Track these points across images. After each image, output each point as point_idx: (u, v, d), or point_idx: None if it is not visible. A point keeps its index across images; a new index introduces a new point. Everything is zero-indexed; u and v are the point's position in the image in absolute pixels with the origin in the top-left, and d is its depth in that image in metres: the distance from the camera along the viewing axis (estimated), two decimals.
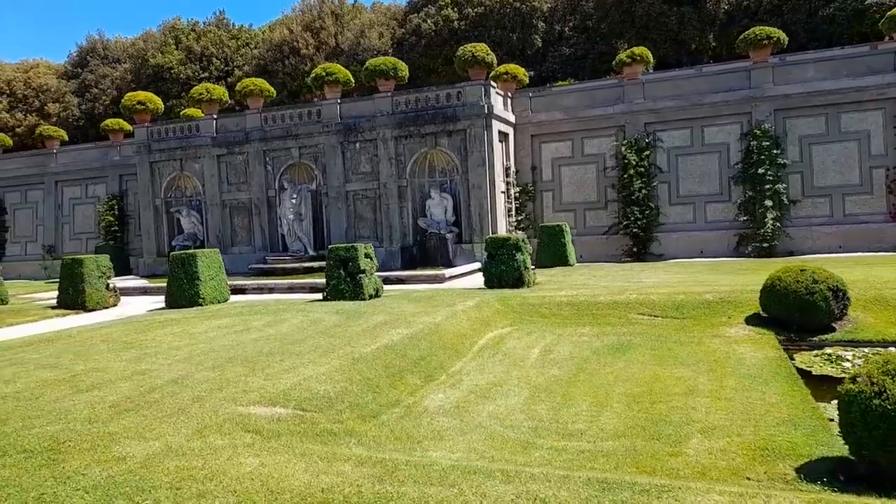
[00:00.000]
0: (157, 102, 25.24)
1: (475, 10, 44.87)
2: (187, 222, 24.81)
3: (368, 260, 14.11)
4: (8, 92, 54.13)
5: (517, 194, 22.44)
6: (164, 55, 51.27)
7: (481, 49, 20.26)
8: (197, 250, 15.46)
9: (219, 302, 15.30)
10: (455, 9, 44.74)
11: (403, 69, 21.77)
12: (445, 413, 6.75)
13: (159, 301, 17.28)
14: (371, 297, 13.86)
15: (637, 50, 21.63)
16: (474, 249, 20.57)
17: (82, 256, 16.34)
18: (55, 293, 21.45)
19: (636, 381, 7.59)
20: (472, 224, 20.76)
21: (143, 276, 24.28)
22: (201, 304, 14.84)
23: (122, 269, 25.87)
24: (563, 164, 22.54)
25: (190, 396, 6.36)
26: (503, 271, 14.40)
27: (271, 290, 17.71)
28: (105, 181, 29.31)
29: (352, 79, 22.66)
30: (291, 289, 17.49)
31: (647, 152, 21.06)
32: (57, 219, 30.47)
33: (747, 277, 13.54)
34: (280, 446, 5.14)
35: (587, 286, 13.85)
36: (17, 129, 50.17)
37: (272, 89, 24.13)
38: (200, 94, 23.71)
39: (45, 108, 52.56)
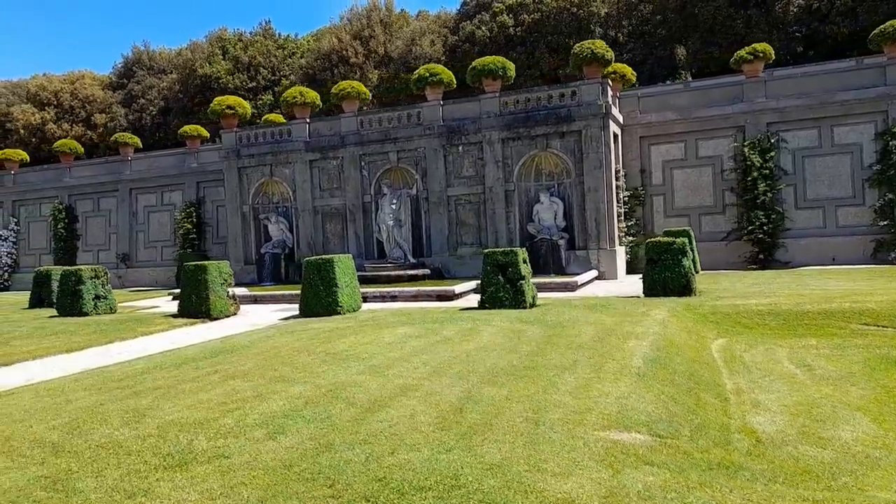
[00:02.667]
0: (245, 107, 24.59)
1: (531, 16, 44.11)
2: (275, 229, 24.07)
3: (526, 265, 13.16)
4: (55, 103, 54.34)
5: (626, 199, 21.42)
6: (212, 65, 51.02)
7: (600, 45, 19.32)
8: (333, 256, 14.61)
9: (353, 310, 14.42)
10: (510, 15, 44.01)
11: (511, 69, 20.90)
12: (795, 441, 5.74)
13: (278, 309, 16.50)
14: (531, 305, 12.89)
15: (759, 46, 20.57)
16: (589, 256, 19.56)
17: (205, 262, 15.58)
18: (147, 301, 20.87)
19: None
20: (586, 229, 19.74)
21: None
22: (339, 313, 13.97)
23: None
24: (674, 167, 21.49)
25: (519, 418, 5.42)
26: (668, 278, 13.38)
27: (394, 297, 16.80)
28: (182, 188, 28.76)
29: (454, 80, 21.82)
30: (416, 297, 16.57)
31: (771, 153, 19.94)
32: (131, 227, 29.97)
33: None
34: (716, 484, 4.17)
35: (769, 294, 12.77)
36: (64, 140, 50.28)
37: (367, 92, 23.38)
38: (294, 97, 23.00)
39: (92, 118, 52.56)
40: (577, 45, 20.01)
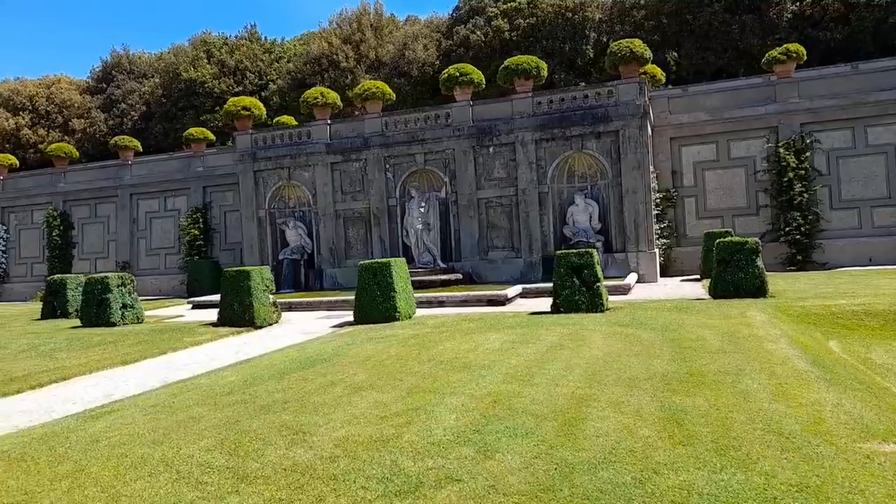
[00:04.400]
0: (260, 108, 23.72)
1: (526, 20, 43.88)
2: (293, 234, 23.21)
3: (600, 268, 12.65)
4: (30, 108, 52.37)
5: (657, 201, 21.09)
6: (197, 69, 49.61)
7: (638, 44, 18.99)
8: (388, 259, 13.94)
9: (409, 317, 13.77)
10: (506, 19, 43.73)
11: (544, 68, 20.48)
12: None
13: (322, 317, 15.76)
14: (606, 308, 12.38)
15: (791, 46, 20.49)
16: (628, 259, 19.17)
17: (248, 268, 14.76)
18: (166, 311, 19.84)
19: None
20: (625, 232, 19.36)
21: None
22: (397, 319, 13.31)
23: (218, 286, 24.10)
24: (706, 169, 21.26)
25: (756, 430, 4.89)
26: (742, 279, 12.99)
27: (442, 303, 16.18)
28: (187, 193, 27.69)
29: (484, 80, 21.31)
30: (466, 302, 15.97)
31: (806, 154, 19.83)
32: (132, 233, 28.75)
33: None
34: None
35: (851, 294, 12.47)
36: (41, 146, 48.37)
37: (393, 94, 22.71)
38: (315, 97, 22.23)
39: (70, 123, 50.63)
40: (615, 43, 19.68)
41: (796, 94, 20.29)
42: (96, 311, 15.63)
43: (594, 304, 12.21)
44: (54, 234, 29.47)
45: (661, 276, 20.59)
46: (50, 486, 4.63)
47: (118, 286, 15.92)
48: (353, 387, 7.13)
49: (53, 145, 31.13)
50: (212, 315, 17.06)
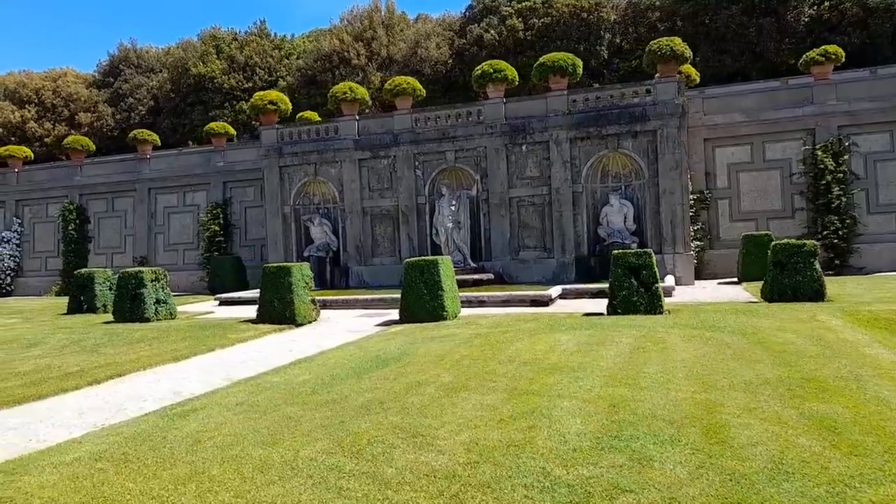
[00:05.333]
0: (287, 104, 23.35)
1: (541, 20, 43.57)
2: (318, 231, 22.86)
3: (656, 269, 12.35)
4: (36, 101, 51.79)
5: (691, 202, 20.79)
6: (206, 64, 49.11)
7: (678, 43, 18.71)
8: (436, 257, 13.64)
9: (455, 316, 13.45)
10: (520, 19, 43.44)
11: (579, 66, 20.16)
12: None
13: (361, 315, 15.45)
14: (666, 310, 12.07)
15: (830, 48, 20.24)
16: (665, 261, 18.84)
17: (288, 265, 14.41)
18: (194, 307, 19.54)
19: None
20: (661, 233, 19.07)
21: None
22: (445, 318, 13.00)
23: (241, 282, 23.84)
24: (740, 170, 20.97)
25: None
26: (799, 282, 12.71)
27: (482, 302, 15.87)
28: (206, 188, 27.31)
29: (517, 77, 20.99)
30: (508, 302, 15.66)
31: (843, 157, 19.57)
32: (150, 228, 28.36)
33: None
34: None
35: None
36: (46, 139, 47.87)
37: (423, 90, 22.38)
38: (344, 92, 21.88)
39: (76, 117, 49.98)
40: (654, 41, 19.39)
41: (834, 96, 20.02)
42: (130, 307, 15.30)
43: (653, 305, 11.92)
44: (70, 227, 29.04)
45: (695, 278, 20.30)
46: (175, 490, 4.31)
47: (152, 281, 15.59)
48: (445, 388, 6.82)
49: (70, 138, 30.71)
50: (241, 312, 16.79)
